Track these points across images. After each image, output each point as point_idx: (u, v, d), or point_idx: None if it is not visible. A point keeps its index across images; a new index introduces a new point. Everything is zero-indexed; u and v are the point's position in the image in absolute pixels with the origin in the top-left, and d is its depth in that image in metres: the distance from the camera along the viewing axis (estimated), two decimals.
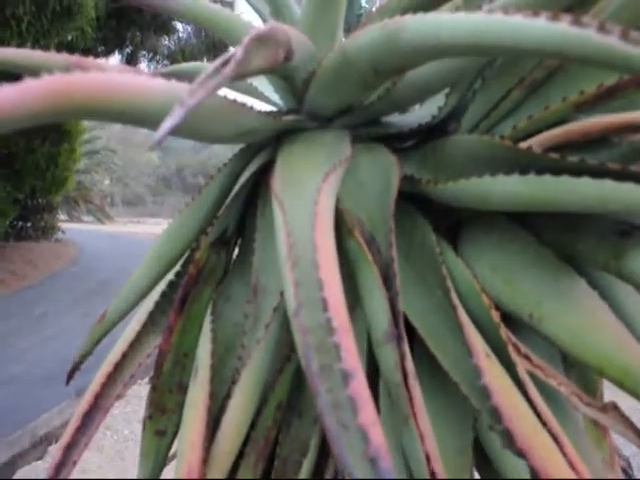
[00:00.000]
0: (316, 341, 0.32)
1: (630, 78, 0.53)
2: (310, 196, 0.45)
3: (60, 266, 12.41)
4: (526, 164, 0.51)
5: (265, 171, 0.63)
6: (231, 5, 11.48)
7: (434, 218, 0.61)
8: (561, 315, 0.54)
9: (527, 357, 0.57)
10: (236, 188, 0.63)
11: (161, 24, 12.05)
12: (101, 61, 0.64)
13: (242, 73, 0.42)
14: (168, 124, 0.29)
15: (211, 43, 11.93)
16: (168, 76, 0.92)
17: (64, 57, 0.60)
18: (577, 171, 0.48)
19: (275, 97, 0.72)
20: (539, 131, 0.57)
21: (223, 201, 0.65)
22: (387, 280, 0.49)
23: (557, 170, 0.49)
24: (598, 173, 0.47)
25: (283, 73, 0.57)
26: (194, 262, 0.64)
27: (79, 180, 20.74)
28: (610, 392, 0.64)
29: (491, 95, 0.60)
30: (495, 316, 0.52)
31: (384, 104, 0.60)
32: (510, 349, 0.50)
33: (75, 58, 0.60)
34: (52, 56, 0.60)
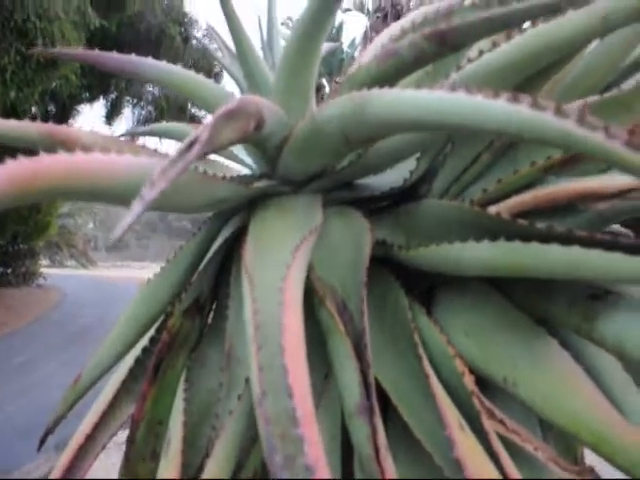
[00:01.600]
0: (280, 431, 0.31)
1: None
2: (279, 272, 0.45)
3: (41, 312, 12.23)
4: (496, 230, 0.52)
5: (239, 237, 0.63)
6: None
7: (407, 281, 0.61)
8: (535, 379, 0.53)
9: (502, 422, 0.56)
10: (209, 254, 0.62)
11: None
12: (74, 128, 0.65)
13: (210, 151, 0.42)
14: (129, 219, 0.29)
15: None
16: (146, 134, 0.92)
17: (36, 127, 0.60)
18: (546, 237, 0.48)
19: (249, 160, 0.72)
20: (509, 194, 0.58)
21: (197, 266, 0.65)
22: (359, 350, 0.49)
23: (526, 236, 0.49)
24: (567, 240, 0.47)
25: (255, 141, 0.58)
26: (167, 329, 0.63)
27: (62, 224, 20.65)
28: None
29: (461, 159, 0.61)
30: (468, 383, 0.52)
31: (356, 169, 0.61)
32: (483, 418, 0.50)
33: (47, 127, 0.60)
34: (25, 126, 0.60)
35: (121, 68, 0.69)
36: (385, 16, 9.76)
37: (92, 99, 13.42)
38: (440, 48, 0.48)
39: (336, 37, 11.16)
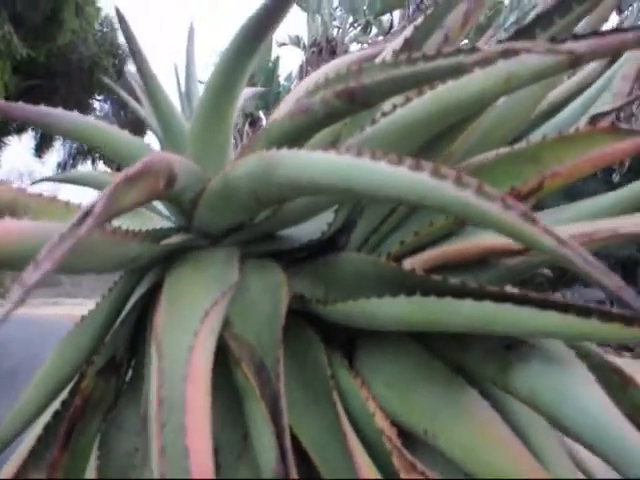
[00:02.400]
0: None
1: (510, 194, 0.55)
2: (187, 341, 0.43)
3: None
4: (411, 284, 0.52)
5: (154, 293, 0.61)
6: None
7: (327, 334, 0.61)
8: (454, 431, 0.53)
9: (424, 474, 0.55)
10: (125, 311, 0.60)
11: (76, 102, 11.95)
12: None
13: (108, 219, 0.41)
14: (8, 308, 0.27)
15: (130, 122, 11.88)
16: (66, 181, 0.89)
17: None
18: (460, 293, 0.49)
19: (167, 212, 0.71)
20: (425, 246, 0.58)
21: (111, 325, 0.62)
22: (275, 414, 0.48)
23: (441, 291, 0.49)
24: (479, 295, 0.48)
25: (167, 197, 0.57)
26: (80, 391, 0.60)
27: None
28: None
29: (378, 211, 0.61)
30: (387, 442, 0.51)
31: (274, 222, 0.60)
32: (401, 474, 0.49)
33: None
34: None
35: (27, 118, 0.66)
36: (320, 51, 9.96)
37: (20, 131, 13.02)
38: (350, 106, 0.48)
39: (273, 70, 11.28)
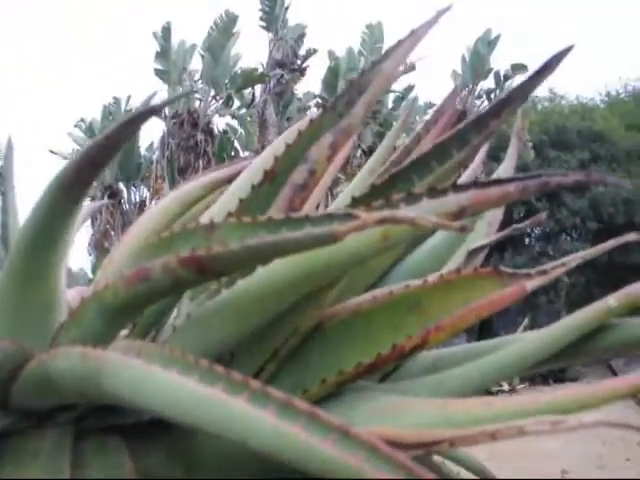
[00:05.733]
0: None
1: (387, 355, 0.49)
2: None
3: None
4: (291, 474, 0.43)
5: None
6: None
7: None
8: None
9: None
10: None
11: None
12: None
13: None
14: None
15: None
16: None
17: None
18: None
19: None
20: None
21: None
22: None
23: None
24: None
25: None
26: None
27: None
28: None
29: (246, 368, 0.52)
30: None
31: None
32: None
33: None
34: None
35: None
36: (182, 122, 9.89)
37: None
38: (198, 276, 0.39)
39: (133, 141, 10.98)
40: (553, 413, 0.36)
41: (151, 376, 0.31)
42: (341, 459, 0.24)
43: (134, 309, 0.44)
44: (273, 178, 0.52)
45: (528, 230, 9.59)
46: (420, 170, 0.47)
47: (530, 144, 8.80)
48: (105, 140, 0.39)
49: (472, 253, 0.59)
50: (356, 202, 0.46)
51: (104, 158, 0.42)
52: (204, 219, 0.49)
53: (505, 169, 0.64)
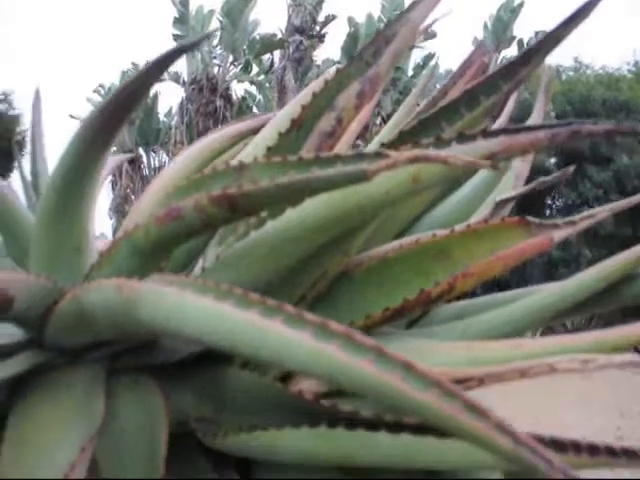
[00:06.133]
0: None
1: (414, 300, 0.49)
2: None
3: None
4: (312, 412, 0.44)
5: None
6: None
7: (217, 457, 0.52)
8: None
9: None
10: None
11: None
12: None
13: None
14: None
15: None
16: None
17: None
18: (372, 424, 0.42)
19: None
20: None
21: None
22: None
23: (351, 423, 0.42)
24: (396, 427, 0.41)
25: (7, 318, 0.45)
26: None
27: None
28: None
29: None
30: None
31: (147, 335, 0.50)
32: None
33: None
34: None
35: None
36: (201, 88, 9.86)
37: None
38: (231, 214, 0.40)
39: (151, 107, 10.98)
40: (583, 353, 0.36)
41: (187, 302, 0.32)
42: (380, 377, 0.25)
43: (165, 249, 0.45)
44: (300, 126, 0.52)
45: (549, 201, 9.49)
46: (449, 116, 0.47)
47: (552, 114, 8.64)
48: (135, 82, 0.40)
49: (499, 204, 0.59)
50: (385, 147, 0.46)
51: (134, 100, 0.42)
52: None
53: (534, 120, 0.64)
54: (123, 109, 0.42)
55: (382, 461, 0.43)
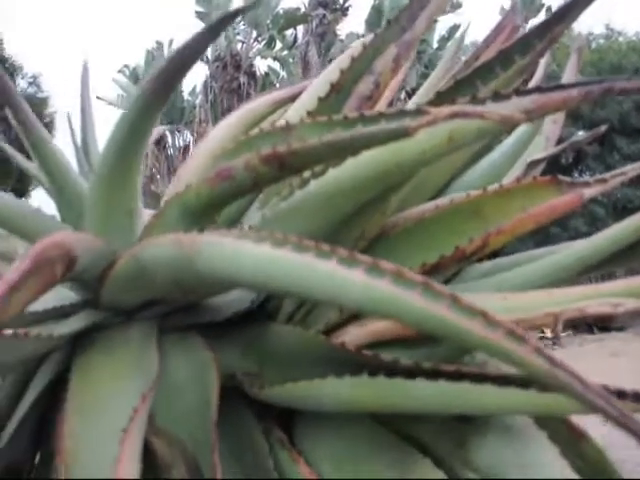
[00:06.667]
0: None
1: (450, 256, 0.51)
2: (111, 452, 0.37)
3: None
4: (354, 362, 0.47)
5: (59, 382, 0.52)
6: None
7: (261, 408, 0.55)
8: None
9: None
10: (22, 410, 0.51)
11: None
12: None
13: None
14: None
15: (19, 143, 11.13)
16: None
17: None
18: (411, 372, 0.44)
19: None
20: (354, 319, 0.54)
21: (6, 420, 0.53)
22: None
23: (391, 371, 0.45)
24: (433, 374, 0.44)
25: (67, 279, 0.49)
26: None
27: None
28: None
29: None
30: None
31: (197, 293, 0.53)
32: None
33: None
34: None
35: None
36: (225, 65, 9.85)
37: None
38: (280, 172, 0.42)
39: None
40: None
41: (246, 250, 0.34)
42: (428, 308, 0.27)
43: (215, 209, 0.47)
44: (339, 89, 0.54)
45: (577, 174, 9.33)
46: (484, 76, 0.48)
47: None
48: (186, 48, 0.42)
49: (531, 165, 0.61)
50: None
51: (186, 65, 0.45)
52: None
53: (566, 79, 0.65)
54: (176, 74, 0.44)
55: (420, 407, 0.45)
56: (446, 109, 0.37)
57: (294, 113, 0.59)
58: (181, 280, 0.42)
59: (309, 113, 0.55)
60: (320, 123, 0.41)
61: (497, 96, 0.43)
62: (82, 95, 0.63)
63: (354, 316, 0.52)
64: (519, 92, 0.43)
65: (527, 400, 0.43)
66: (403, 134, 0.38)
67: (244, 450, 0.53)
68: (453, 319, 0.26)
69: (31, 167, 0.67)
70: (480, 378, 0.43)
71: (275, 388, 0.49)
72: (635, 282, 0.41)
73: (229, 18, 0.40)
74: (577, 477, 0.49)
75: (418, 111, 0.37)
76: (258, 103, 0.69)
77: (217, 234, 0.38)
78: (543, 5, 10.24)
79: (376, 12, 9.89)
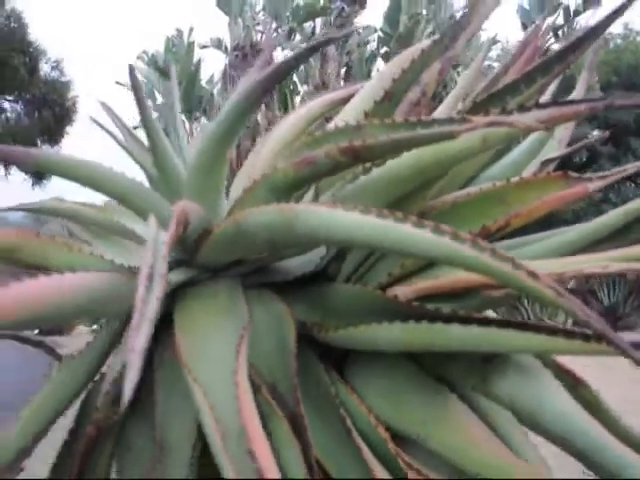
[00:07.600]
0: None
1: (477, 233, 0.64)
2: (228, 366, 0.50)
3: None
4: (404, 312, 0.60)
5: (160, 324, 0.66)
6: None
7: (322, 352, 0.68)
8: (442, 434, 0.61)
9: (418, 471, 0.63)
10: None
11: None
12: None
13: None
14: (132, 374, 0.32)
15: (46, 126, 11.35)
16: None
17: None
18: (449, 319, 0.57)
19: None
20: (410, 275, 0.67)
21: (108, 354, 0.67)
22: (298, 432, 0.54)
23: (433, 318, 0.58)
24: (467, 320, 0.56)
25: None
26: (94, 422, 0.64)
27: None
28: None
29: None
30: (392, 449, 0.59)
31: (274, 257, 0.67)
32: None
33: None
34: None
35: (16, 160, 0.69)
36: (245, 55, 9.94)
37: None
38: (353, 161, 0.55)
39: (194, 74, 11.15)
40: None
41: (340, 214, 0.47)
42: (475, 255, 0.40)
43: (297, 188, 0.60)
44: (392, 96, 0.67)
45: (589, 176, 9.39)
46: (512, 92, 0.61)
47: (597, 86, 8.48)
48: (293, 60, 0.56)
49: (545, 163, 0.74)
50: (461, 114, 0.61)
51: (288, 72, 0.58)
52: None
53: (577, 92, 0.78)
54: (282, 76, 0.57)
55: (456, 346, 0.58)
56: (485, 118, 0.50)
57: (352, 112, 0.73)
58: (279, 242, 0.55)
59: (366, 114, 0.68)
60: (386, 124, 0.54)
61: (522, 108, 0.56)
62: (137, 97, 0.71)
63: (402, 277, 0.65)
64: (539, 105, 0.56)
65: (540, 342, 0.55)
66: (450, 136, 0.51)
67: (310, 385, 0.66)
68: (491, 262, 0.40)
69: (127, 147, 0.80)
70: (504, 324, 0.55)
71: (339, 331, 0.61)
72: (630, 251, 0.54)
73: (323, 44, 0.53)
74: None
75: (463, 119, 0.50)
76: (318, 102, 0.82)
77: (311, 204, 0.52)
78: (560, 4, 10.24)
79: (394, 6, 9.94)
